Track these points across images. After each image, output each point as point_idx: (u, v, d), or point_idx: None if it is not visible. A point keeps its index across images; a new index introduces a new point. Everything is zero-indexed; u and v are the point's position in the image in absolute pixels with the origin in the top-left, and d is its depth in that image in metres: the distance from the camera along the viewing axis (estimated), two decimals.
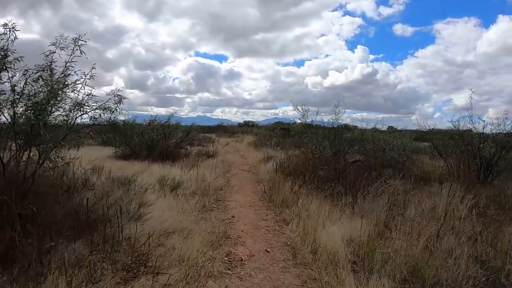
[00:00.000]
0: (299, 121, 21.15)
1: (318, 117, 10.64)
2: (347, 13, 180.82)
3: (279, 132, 19.41)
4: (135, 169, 9.30)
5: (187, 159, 11.14)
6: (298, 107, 9.98)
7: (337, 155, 8.83)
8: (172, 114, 12.78)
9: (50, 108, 3.88)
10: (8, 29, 3.65)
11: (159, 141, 11.51)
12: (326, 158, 8.35)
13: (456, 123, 10.02)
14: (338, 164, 8.18)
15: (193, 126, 12.89)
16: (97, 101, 4.48)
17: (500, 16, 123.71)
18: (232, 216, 5.70)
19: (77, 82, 4.19)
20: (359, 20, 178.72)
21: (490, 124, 9.08)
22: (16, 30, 3.68)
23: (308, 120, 10.13)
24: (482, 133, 9.47)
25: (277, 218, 5.62)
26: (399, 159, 9.85)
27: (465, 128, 9.17)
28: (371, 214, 5.40)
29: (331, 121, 9.62)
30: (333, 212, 5.31)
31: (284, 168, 8.52)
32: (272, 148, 16.49)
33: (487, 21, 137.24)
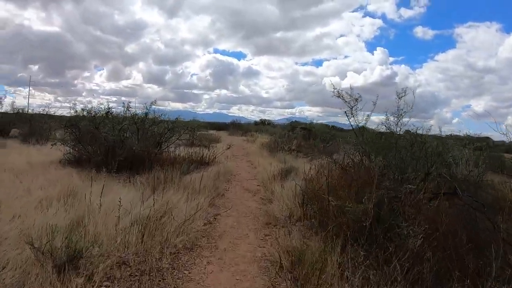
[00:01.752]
0: (315, 122, 16.62)
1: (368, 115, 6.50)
2: (367, 14, 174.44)
3: (300, 133, 15.27)
4: (65, 188, 5.45)
5: (164, 170, 7.22)
6: (342, 93, 5.92)
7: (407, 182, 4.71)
8: (154, 102, 8.83)
9: None
10: None
11: (124, 141, 7.60)
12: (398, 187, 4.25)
13: None
14: (417, 200, 4.11)
15: (178, 120, 8.90)
16: None
17: None
18: None
19: None
20: (379, 22, 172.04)
21: None
22: None
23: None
24: None
25: None
26: (469, 177, 5.93)
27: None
28: None
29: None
30: None
31: (322, 208, 4.40)
32: (292, 154, 12.41)
33: (509, 26, 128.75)
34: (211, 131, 34.54)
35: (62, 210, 4.24)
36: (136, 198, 4.98)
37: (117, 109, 8.73)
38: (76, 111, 8.62)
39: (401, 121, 5.67)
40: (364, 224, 3.50)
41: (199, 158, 9.44)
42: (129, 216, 3.97)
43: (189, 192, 5.55)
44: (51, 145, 7.94)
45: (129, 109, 8.51)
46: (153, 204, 4.29)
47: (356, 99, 5.94)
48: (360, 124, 6.04)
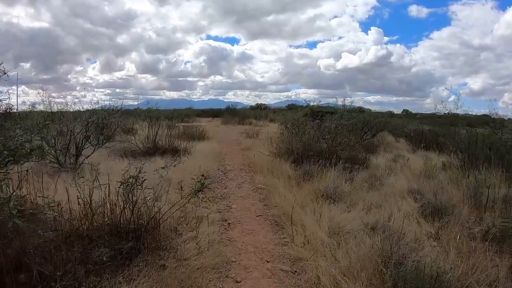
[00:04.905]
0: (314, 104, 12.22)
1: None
2: None
3: (334, 123, 8.55)
4: None
5: None
6: None
7: None
8: None
9: None
10: None
11: None
12: None
13: None
14: None
15: None
16: None
17: None
18: None
19: None
20: (373, 1, 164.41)
21: None
22: None
23: None
24: None
25: None
26: None
27: None
28: None
29: None
30: None
31: None
32: (335, 167, 5.97)
33: (504, 3, 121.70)
34: (204, 120, 28.28)
35: None
36: None
37: None
38: None
39: None
40: None
41: (122, 223, 2.94)
42: None
43: None
44: None
45: None
46: None
47: None
48: None
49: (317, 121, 8.78)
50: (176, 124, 16.25)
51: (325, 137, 6.97)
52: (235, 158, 8.71)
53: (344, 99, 11.78)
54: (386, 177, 6.45)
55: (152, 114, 9.65)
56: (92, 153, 7.00)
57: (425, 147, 11.59)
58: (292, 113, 14.51)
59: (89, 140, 7.29)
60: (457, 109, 8.85)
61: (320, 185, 5.22)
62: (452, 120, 17.41)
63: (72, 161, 6.98)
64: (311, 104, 12.25)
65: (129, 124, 13.37)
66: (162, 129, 9.20)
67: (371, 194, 5.17)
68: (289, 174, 6.06)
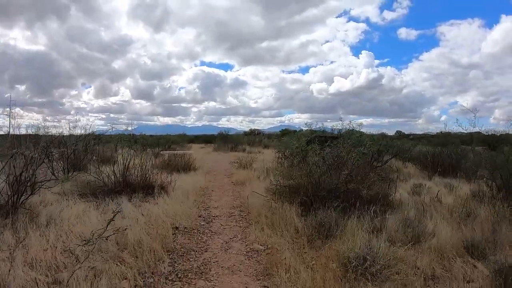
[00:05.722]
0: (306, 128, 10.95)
1: None
2: (351, 19, 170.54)
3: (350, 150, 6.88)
4: None
5: None
6: None
7: None
8: None
9: None
10: None
11: None
12: None
13: None
14: None
15: None
16: None
17: (503, 16, 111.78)
18: None
19: None
20: (363, 26, 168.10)
21: None
22: None
23: None
24: None
25: None
26: None
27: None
28: None
29: None
30: None
31: None
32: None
33: (490, 22, 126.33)
34: (196, 146, 26.86)
35: None
36: None
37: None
38: None
39: None
40: None
41: None
42: None
43: None
44: None
45: None
46: None
47: None
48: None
49: (328, 149, 7.12)
50: (161, 153, 14.56)
51: (344, 171, 5.24)
52: (224, 197, 6.94)
53: (351, 122, 10.20)
54: (422, 220, 4.79)
55: (123, 140, 7.92)
56: (31, 194, 5.22)
57: (441, 172, 10.10)
58: (291, 138, 12.74)
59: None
60: (474, 127, 8.93)
61: (345, 246, 3.49)
62: (446, 139, 16.13)
63: (11, 202, 5.22)
64: (313, 128, 10.58)
65: (108, 152, 11.78)
66: (133, 159, 7.42)
67: (418, 255, 3.52)
68: (297, 226, 4.32)
